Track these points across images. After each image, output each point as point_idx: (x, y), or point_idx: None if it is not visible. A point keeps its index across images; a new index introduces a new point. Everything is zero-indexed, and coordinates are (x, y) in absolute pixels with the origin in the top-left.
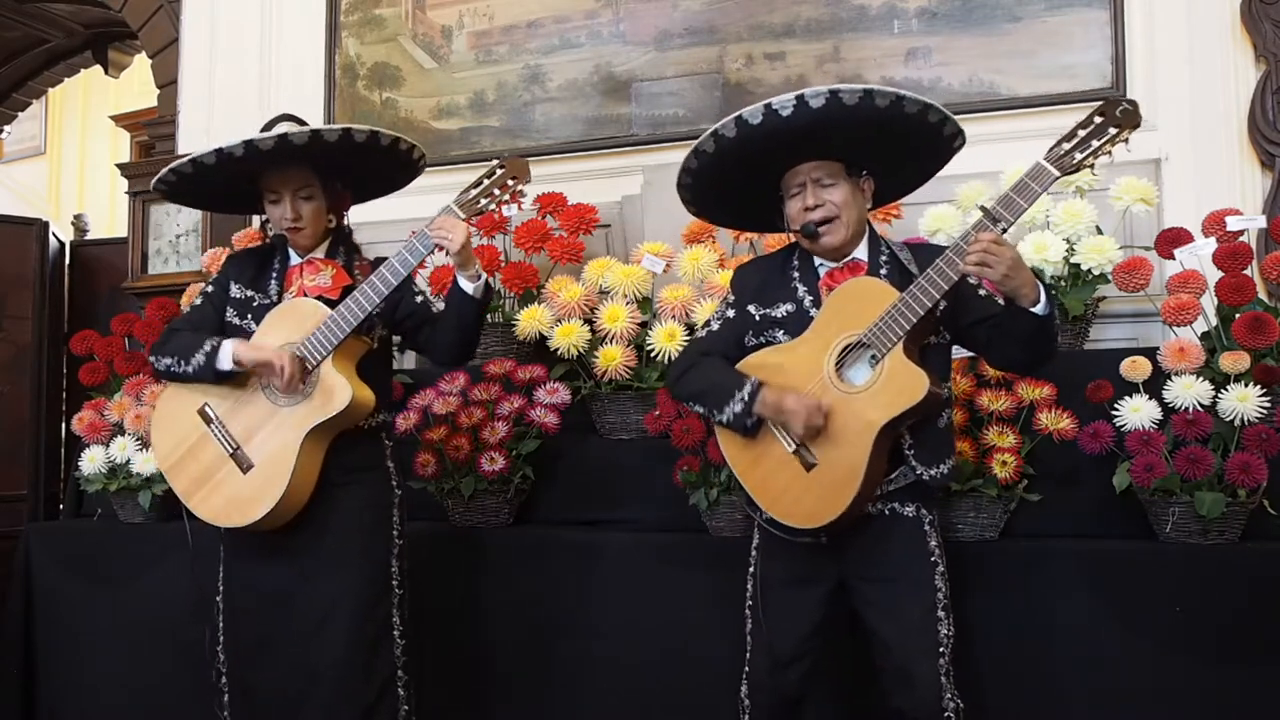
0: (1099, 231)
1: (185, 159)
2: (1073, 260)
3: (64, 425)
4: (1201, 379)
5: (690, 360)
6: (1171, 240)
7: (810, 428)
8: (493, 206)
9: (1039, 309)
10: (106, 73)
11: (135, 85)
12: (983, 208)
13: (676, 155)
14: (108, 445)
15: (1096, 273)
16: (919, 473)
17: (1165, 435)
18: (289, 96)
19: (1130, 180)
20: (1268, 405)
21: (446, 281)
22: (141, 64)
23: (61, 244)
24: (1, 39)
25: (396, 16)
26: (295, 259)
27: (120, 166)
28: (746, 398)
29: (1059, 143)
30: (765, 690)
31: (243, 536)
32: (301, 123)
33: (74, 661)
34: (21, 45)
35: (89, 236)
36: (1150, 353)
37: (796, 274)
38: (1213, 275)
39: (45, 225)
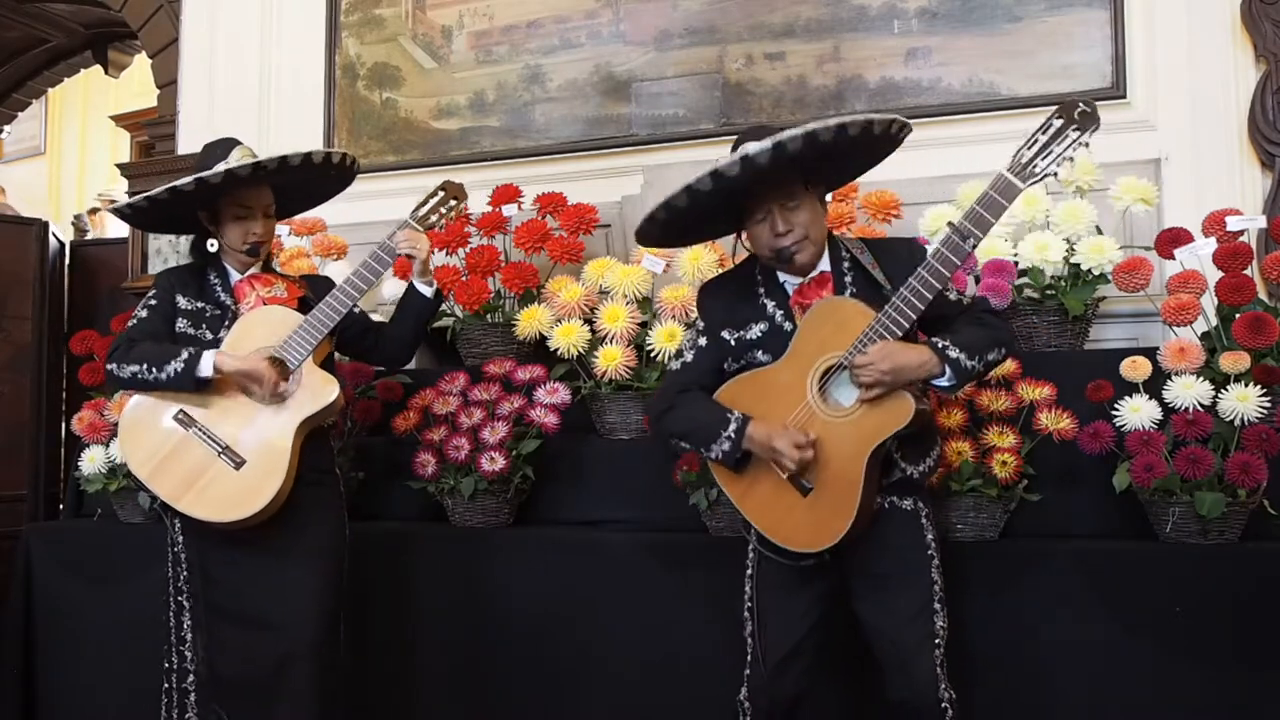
0: (1099, 231)
1: (165, 188)
2: (1073, 260)
3: (64, 425)
4: (1201, 379)
5: (669, 399)
6: (1171, 240)
7: (801, 463)
8: (440, 223)
9: (943, 381)
10: (106, 73)
11: (135, 85)
12: (951, 224)
13: (676, 155)
14: (108, 445)
15: (1096, 273)
16: (907, 471)
17: (1165, 435)
18: (289, 96)
19: (1130, 180)
20: (1268, 405)
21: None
22: (141, 64)
23: (61, 244)
24: (1, 39)
25: (396, 16)
26: (234, 274)
27: (120, 166)
28: (733, 434)
29: (1019, 151)
30: (764, 692)
31: (219, 534)
32: (238, 142)
33: (74, 661)
34: (21, 45)
35: (89, 236)
36: (1150, 353)
37: (763, 290)
38: (1213, 275)
39: (45, 225)
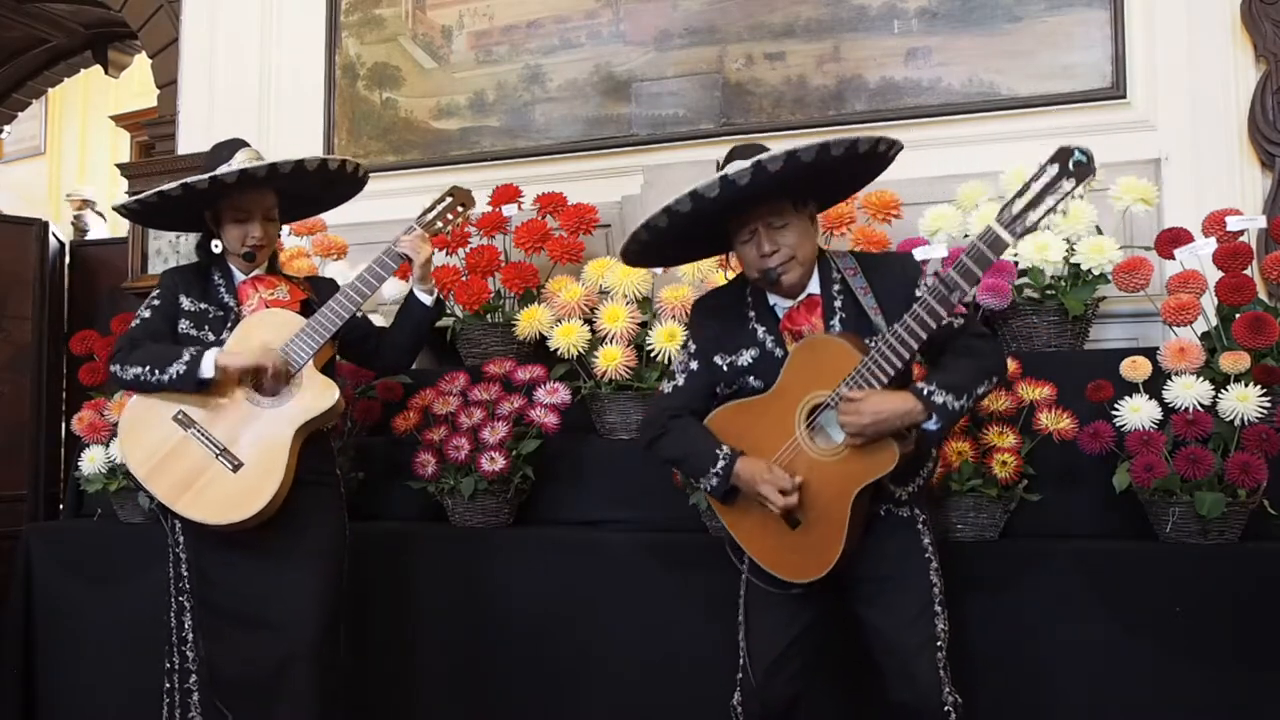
0: (1099, 231)
1: (153, 191)
2: (1073, 260)
3: (64, 425)
4: (1201, 379)
5: (661, 425)
6: (1171, 240)
7: (785, 509)
8: (446, 229)
9: (931, 425)
10: (106, 73)
11: (135, 85)
12: (938, 275)
13: (676, 155)
14: (108, 445)
15: (1096, 273)
16: (896, 494)
17: (1165, 435)
18: (289, 96)
19: (1130, 180)
20: (1268, 405)
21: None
22: (141, 64)
23: (61, 244)
24: (1, 39)
25: (396, 16)
26: (239, 275)
27: (120, 166)
28: (721, 471)
29: (1010, 202)
30: (756, 697)
31: (218, 536)
32: (245, 144)
33: (74, 661)
34: (21, 45)
35: (89, 236)
36: (1150, 353)
37: (753, 314)
38: (1213, 275)
39: (45, 225)
